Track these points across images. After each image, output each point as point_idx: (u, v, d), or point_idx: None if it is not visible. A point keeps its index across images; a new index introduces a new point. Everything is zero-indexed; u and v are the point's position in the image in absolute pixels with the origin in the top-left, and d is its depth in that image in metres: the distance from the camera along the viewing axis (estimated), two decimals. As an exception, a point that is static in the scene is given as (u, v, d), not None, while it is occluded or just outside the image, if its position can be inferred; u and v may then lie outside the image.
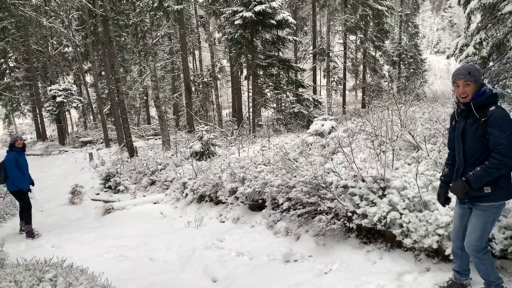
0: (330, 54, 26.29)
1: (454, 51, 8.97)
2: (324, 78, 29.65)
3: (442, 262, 3.90)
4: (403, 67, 29.66)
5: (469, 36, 8.82)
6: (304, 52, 31.24)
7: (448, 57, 9.26)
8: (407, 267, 4.02)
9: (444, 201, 3.49)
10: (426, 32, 74.59)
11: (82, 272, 4.00)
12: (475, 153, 3.14)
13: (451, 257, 3.62)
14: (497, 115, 3.00)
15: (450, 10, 75.51)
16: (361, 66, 27.11)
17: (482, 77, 3.20)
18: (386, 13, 24.01)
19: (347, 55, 26.10)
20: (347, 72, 26.81)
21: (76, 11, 22.00)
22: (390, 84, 28.77)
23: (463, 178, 3.14)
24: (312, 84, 26.61)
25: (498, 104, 3.14)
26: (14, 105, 32.39)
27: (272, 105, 20.18)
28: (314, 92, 24.98)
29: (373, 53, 27.07)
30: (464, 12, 8.85)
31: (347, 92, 27.99)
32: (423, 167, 4.75)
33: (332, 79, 29.39)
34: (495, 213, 3.16)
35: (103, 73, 25.14)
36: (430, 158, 4.94)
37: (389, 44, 30.26)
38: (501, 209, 3.19)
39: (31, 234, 7.06)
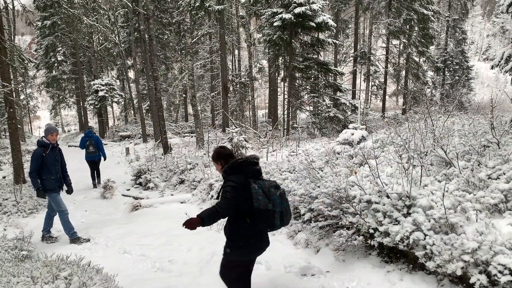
0: (371, 58, 25.71)
1: (499, 62, 8.43)
2: (364, 82, 29.09)
3: (466, 290, 3.67)
4: (448, 74, 28.55)
5: (516, 46, 8.27)
6: (344, 55, 30.73)
7: (492, 67, 8.72)
8: (428, 292, 3.80)
9: None
10: (475, 38, 71.56)
11: (97, 272, 4.06)
12: None
13: (476, 286, 3.43)
14: None
15: (503, 16, 72.07)
16: (403, 72, 26.31)
17: None
18: (432, 18, 23.14)
19: (389, 60, 25.41)
20: (388, 77, 26.12)
21: (122, 9, 22.62)
22: (432, 91, 27.79)
23: None
24: (351, 88, 26.12)
25: None
26: (61, 97, 33.80)
27: (307, 108, 19.94)
28: (354, 96, 24.49)
29: (417, 59, 26.21)
30: (513, 21, 8.32)
31: (387, 97, 27.26)
32: (453, 186, 4.49)
33: (372, 84, 28.75)
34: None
35: (144, 70, 25.76)
36: (462, 177, 4.67)
37: (434, 49, 29.19)
38: None
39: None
